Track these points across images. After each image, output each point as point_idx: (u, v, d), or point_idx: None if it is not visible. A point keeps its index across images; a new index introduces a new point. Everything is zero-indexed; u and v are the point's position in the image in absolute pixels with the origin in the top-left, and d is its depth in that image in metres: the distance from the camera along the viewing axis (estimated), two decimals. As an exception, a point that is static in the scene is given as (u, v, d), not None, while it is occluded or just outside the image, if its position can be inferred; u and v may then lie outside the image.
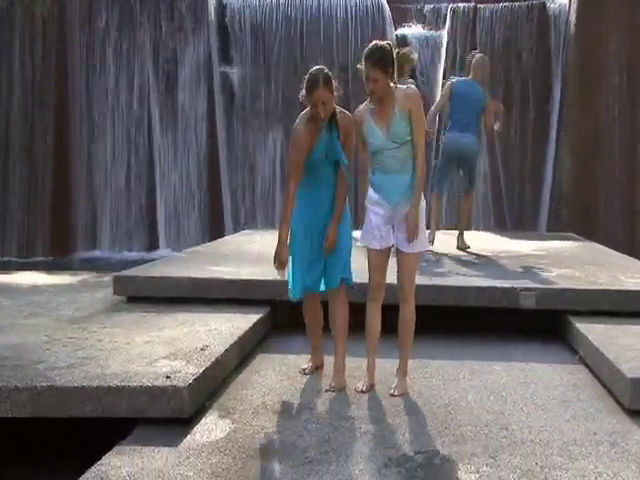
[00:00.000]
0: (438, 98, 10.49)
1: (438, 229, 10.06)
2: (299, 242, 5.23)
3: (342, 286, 5.27)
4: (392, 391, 5.11)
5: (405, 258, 5.11)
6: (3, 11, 16.53)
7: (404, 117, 4.94)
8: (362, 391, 5.16)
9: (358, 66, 5.04)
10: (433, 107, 9.95)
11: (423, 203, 5.13)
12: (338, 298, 5.26)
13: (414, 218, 4.99)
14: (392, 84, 4.99)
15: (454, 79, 9.91)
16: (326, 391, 5.12)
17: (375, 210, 5.09)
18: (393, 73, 4.96)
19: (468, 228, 9.98)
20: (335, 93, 5.05)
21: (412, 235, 5.01)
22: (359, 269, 5.49)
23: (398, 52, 5.29)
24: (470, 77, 9.73)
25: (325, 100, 4.95)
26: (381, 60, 4.90)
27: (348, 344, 5.34)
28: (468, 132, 9.55)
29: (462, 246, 9.62)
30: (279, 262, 5.10)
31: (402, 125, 4.95)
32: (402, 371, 5.22)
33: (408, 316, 5.20)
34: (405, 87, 5.18)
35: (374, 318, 5.23)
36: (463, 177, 9.91)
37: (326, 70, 5.06)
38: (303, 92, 5.06)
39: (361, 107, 5.15)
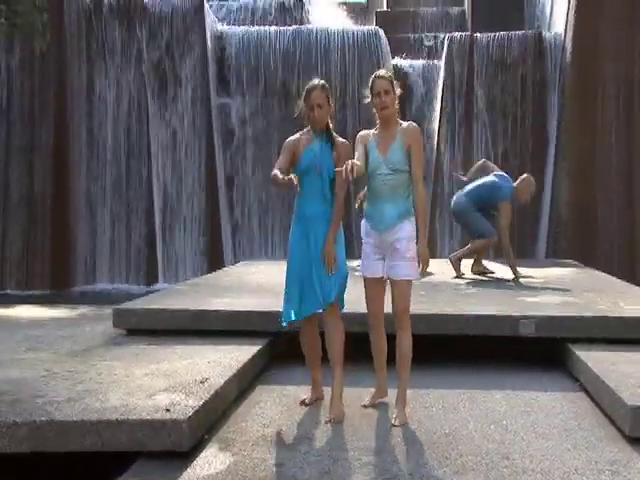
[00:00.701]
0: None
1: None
2: (293, 261, 5.30)
3: (337, 308, 5.26)
4: (393, 421, 5.11)
5: (397, 285, 5.18)
6: (4, 44, 16.69)
7: (402, 149, 5.13)
8: (365, 405, 5.37)
9: (366, 100, 5.31)
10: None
11: (413, 233, 5.21)
12: (334, 321, 5.23)
13: (423, 252, 5.18)
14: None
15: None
16: (326, 423, 5.10)
17: (366, 240, 5.29)
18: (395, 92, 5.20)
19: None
20: (331, 104, 5.30)
21: (425, 266, 5.19)
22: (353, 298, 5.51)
23: None
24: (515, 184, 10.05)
25: (321, 103, 5.21)
26: (391, 76, 5.24)
27: (348, 374, 5.33)
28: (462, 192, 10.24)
29: (478, 270, 10.09)
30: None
31: (398, 155, 5.13)
32: (401, 400, 5.22)
33: (405, 343, 5.20)
34: (408, 123, 5.31)
35: (378, 342, 5.38)
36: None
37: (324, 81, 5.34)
38: (301, 104, 5.28)
39: (365, 131, 5.35)
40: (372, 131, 5.30)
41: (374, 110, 5.24)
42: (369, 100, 5.25)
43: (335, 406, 5.19)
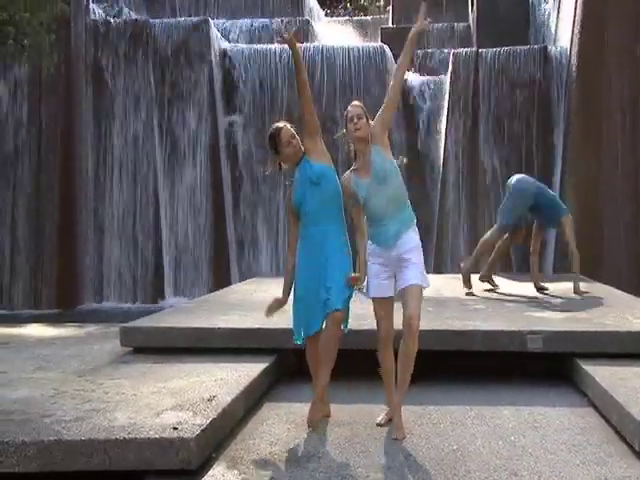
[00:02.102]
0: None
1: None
2: (299, 281, 5.37)
3: (340, 319, 5.25)
4: (393, 435, 5.13)
5: (409, 291, 5.17)
6: (12, 65, 16.80)
7: (378, 150, 5.24)
8: (380, 424, 5.32)
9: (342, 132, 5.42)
10: None
11: (419, 241, 5.30)
12: (335, 328, 5.21)
13: None
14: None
15: None
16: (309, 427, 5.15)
17: (373, 260, 5.27)
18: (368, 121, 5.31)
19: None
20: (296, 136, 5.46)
21: None
22: (367, 315, 5.52)
23: None
24: None
25: (292, 134, 5.41)
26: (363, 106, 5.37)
27: (355, 391, 5.33)
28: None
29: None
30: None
31: (378, 161, 5.22)
32: (398, 408, 5.22)
33: (412, 348, 5.15)
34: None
35: (387, 362, 5.34)
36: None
37: None
38: (274, 157, 5.54)
39: (347, 173, 5.43)
40: (351, 170, 5.37)
41: (350, 145, 5.39)
42: (342, 133, 5.39)
43: (314, 408, 5.21)
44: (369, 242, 5.31)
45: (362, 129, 5.23)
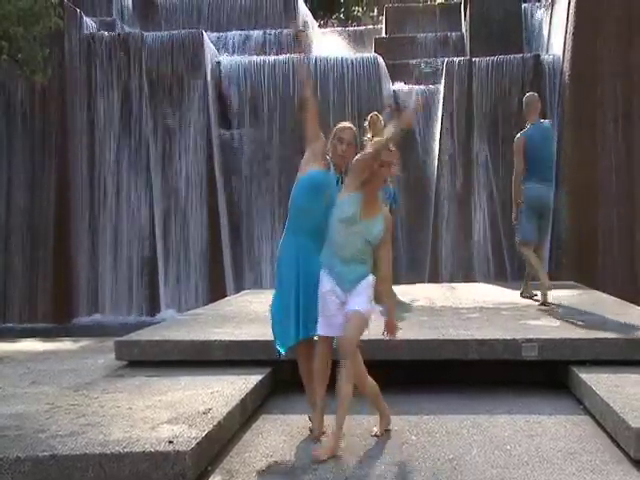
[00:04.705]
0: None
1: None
2: (287, 283, 5.29)
3: None
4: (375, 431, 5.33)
5: (348, 318, 5.06)
6: (3, 81, 16.82)
7: (382, 228, 5.09)
8: (375, 435, 5.34)
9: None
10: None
11: (371, 278, 5.16)
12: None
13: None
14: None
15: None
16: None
17: (331, 298, 5.11)
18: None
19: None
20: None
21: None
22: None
23: None
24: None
25: (350, 142, 5.32)
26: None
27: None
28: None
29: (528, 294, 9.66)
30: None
31: (378, 229, 5.08)
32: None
33: (342, 383, 4.99)
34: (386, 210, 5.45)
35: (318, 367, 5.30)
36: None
37: None
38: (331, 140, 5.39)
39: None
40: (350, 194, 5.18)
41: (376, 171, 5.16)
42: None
43: (318, 418, 5.30)
44: (327, 274, 5.13)
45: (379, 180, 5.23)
